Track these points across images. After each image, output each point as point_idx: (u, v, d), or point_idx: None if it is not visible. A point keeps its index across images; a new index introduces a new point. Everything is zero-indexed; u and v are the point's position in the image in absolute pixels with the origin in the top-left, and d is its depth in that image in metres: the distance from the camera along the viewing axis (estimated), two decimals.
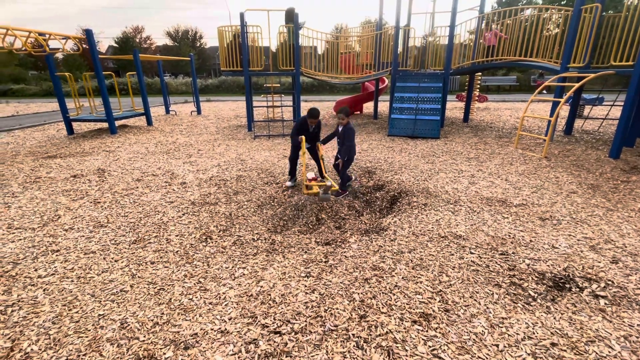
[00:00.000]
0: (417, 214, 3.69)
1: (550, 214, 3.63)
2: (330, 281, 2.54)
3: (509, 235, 3.16)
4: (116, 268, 2.78)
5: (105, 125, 9.75)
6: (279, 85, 9.82)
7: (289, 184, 4.77)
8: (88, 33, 7.76)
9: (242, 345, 1.94)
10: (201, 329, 2.07)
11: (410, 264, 2.76)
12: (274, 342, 1.95)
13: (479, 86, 13.31)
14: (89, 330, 2.08)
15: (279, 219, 3.73)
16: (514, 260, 2.75)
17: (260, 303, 2.31)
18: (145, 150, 7.05)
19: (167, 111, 12.72)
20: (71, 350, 1.93)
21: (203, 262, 2.87)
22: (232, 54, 8.53)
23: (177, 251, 3.05)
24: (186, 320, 2.16)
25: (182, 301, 2.35)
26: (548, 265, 2.66)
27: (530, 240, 3.06)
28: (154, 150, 6.99)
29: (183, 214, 3.84)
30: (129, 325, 2.12)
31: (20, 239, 3.28)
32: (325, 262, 2.83)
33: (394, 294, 2.37)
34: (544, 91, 11.51)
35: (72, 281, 2.60)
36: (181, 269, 2.76)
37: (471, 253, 2.88)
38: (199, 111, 12.62)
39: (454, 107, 14.21)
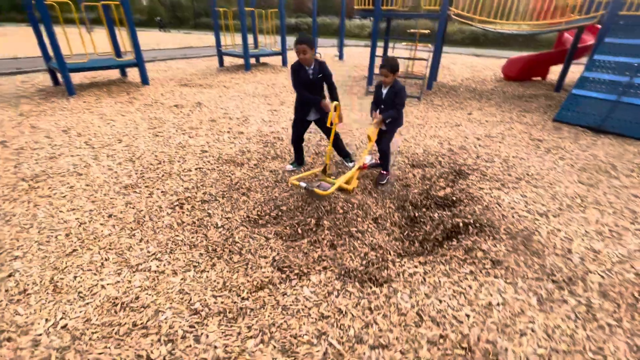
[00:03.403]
0: (464, 279, 2.12)
1: None
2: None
3: None
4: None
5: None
6: (428, 32, 7.79)
7: (289, 167, 3.61)
8: None
9: None
10: None
11: None
12: None
13: None
14: None
15: (275, 206, 2.91)
16: None
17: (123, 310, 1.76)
18: (253, 91, 7.13)
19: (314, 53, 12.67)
20: None
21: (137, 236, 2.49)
22: None
23: (141, 210, 2.79)
24: None
25: None
26: None
27: None
28: (258, 93, 6.98)
29: (196, 168, 3.54)
30: None
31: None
32: (241, 297, 1.94)
33: None
34: None
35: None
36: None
37: None
38: (340, 56, 11.97)
39: None
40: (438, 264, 2.28)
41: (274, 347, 1.67)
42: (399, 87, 2.99)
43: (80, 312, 1.84)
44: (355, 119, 5.38)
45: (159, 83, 7.46)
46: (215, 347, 1.66)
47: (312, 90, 3.11)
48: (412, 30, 8.20)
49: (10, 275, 2.09)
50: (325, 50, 14.40)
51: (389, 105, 3.04)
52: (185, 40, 18.38)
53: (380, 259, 2.32)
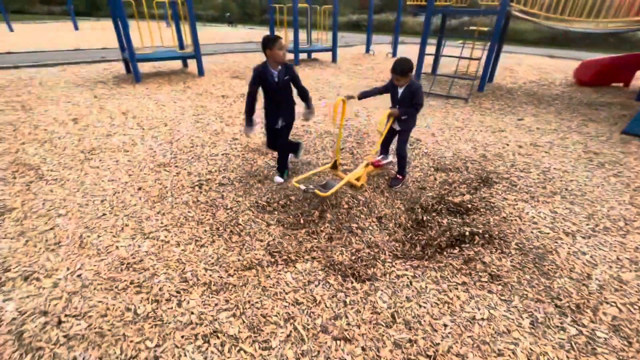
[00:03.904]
0: (454, 289, 2.03)
1: None
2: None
3: None
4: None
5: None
6: (488, 30, 7.23)
7: (278, 179, 3.23)
8: None
9: None
10: None
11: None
12: None
13: None
14: None
15: (285, 196, 3.02)
16: None
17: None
18: None
19: (367, 50, 12.51)
20: None
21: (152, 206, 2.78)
22: None
23: (166, 187, 3.10)
24: None
25: None
26: None
27: None
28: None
29: (223, 154, 3.80)
30: None
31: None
32: (228, 273, 2.09)
33: None
34: None
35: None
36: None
37: None
38: (394, 53, 11.65)
39: None
40: (430, 270, 2.20)
41: (243, 321, 1.79)
42: (416, 86, 2.88)
43: (94, 266, 2.14)
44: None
45: (213, 74, 8.04)
46: (192, 313, 1.82)
47: (278, 95, 2.88)
48: (471, 28, 7.71)
49: (51, 229, 2.49)
50: (380, 47, 14.13)
51: (407, 105, 2.95)
52: (248, 36, 19.39)
53: (372, 258, 2.31)
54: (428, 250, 2.44)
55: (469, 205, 2.87)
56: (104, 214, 2.69)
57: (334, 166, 3.14)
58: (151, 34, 7.27)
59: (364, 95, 3.00)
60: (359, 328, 1.78)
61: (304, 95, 3.03)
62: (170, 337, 1.68)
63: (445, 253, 2.38)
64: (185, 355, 1.59)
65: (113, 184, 3.13)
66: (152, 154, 3.75)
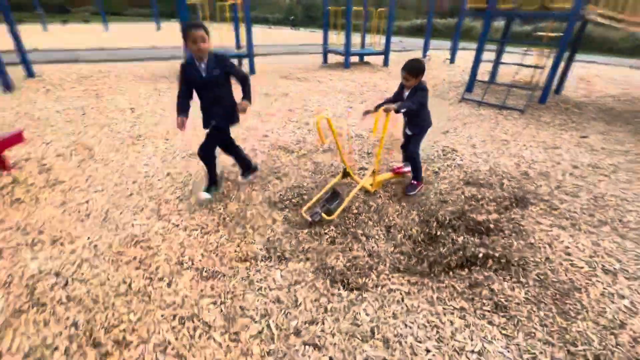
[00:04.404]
0: (449, 313, 1.85)
1: None
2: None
3: None
4: None
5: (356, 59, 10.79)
6: (554, 36, 6.50)
7: (204, 195, 2.82)
8: None
9: None
10: None
11: None
12: None
13: None
14: None
15: (299, 194, 3.02)
16: None
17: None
18: (342, 87, 7.30)
19: (423, 55, 12.00)
20: None
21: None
22: None
23: (191, 175, 3.29)
24: None
25: None
26: None
27: None
28: (345, 90, 7.10)
29: (250, 149, 3.92)
30: None
31: None
32: (221, 262, 2.15)
33: None
34: None
35: None
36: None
37: None
38: (452, 59, 11.02)
39: None
40: (427, 289, 2.03)
41: (221, 311, 1.82)
42: (421, 87, 2.68)
43: (110, 239, 2.35)
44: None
45: (263, 73, 8.37)
46: (177, 294, 1.91)
47: (206, 92, 2.53)
48: (539, 34, 7.00)
49: (86, 202, 2.80)
50: (439, 53, 13.49)
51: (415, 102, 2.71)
52: (307, 38, 19.88)
53: (367, 267, 2.20)
54: (435, 268, 2.25)
55: (492, 225, 2.59)
56: (131, 194, 2.94)
57: (345, 174, 2.90)
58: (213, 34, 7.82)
59: (379, 107, 2.82)
60: (333, 337, 1.70)
61: (243, 82, 2.62)
62: (151, 314, 1.78)
63: (451, 273, 2.18)
64: (159, 333, 1.67)
65: (147, 168, 3.42)
66: (187, 144, 4.02)
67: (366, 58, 10.77)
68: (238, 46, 8.67)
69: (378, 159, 2.87)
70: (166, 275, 2.05)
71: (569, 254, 2.32)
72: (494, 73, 7.69)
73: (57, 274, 2.01)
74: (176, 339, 1.65)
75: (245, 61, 8.25)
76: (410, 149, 2.95)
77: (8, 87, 5.93)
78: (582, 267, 2.20)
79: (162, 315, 1.77)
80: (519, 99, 6.60)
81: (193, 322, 1.75)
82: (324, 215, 2.60)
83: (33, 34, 15.28)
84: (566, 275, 2.13)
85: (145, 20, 32.10)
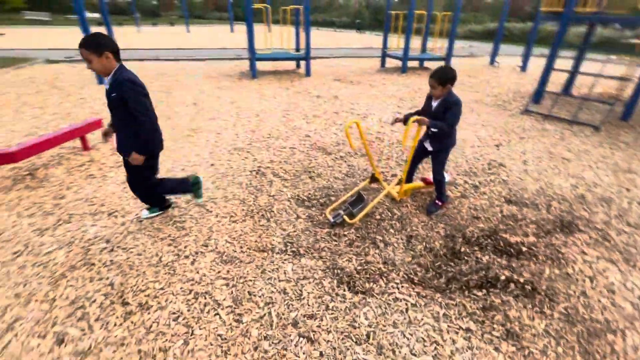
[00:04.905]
0: (453, 332, 1.78)
1: None
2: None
3: None
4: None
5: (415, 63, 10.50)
6: None
7: (145, 213, 2.63)
8: None
9: None
10: None
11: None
12: None
13: None
14: None
15: (327, 195, 3.11)
16: None
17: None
18: (394, 92, 7.18)
19: (492, 61, 11.19)
20: None
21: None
22: None
23: (231, 167, 3.57)
24: None
25: None
26: None
27: None
28: (396, 95, 6.98)
29: (290, 147, 4.10)
30: None
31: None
32: (241, 249, 2.32)
33: None
34: None
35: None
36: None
37: None
38: (523, 67, 10.08)
39: None
40: (435, 304, 1.96)
41: (231, 292, 1.98)
42: (454, 100, 2.47)
43: (152, 216, 2.68)
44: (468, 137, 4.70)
45: (318, 76, 8.60)
46: (197, 272, 2.12)
47: (111, 112, 2.18)
48: (631, 41, 6.14)
49: None
50: (510, 60, 12.46)
51: (443, 113, 2.57)
52: (371, 41, 19.80)
53: (377, 273, 2.19)
54: (452, 285, 2.16)
55: (525, 249, 2.39)
56: None
57: (373, 179, 2.94)
58: (269, 37, 8.26)
59: (408, 116, 2.71)
60: (328, 334, 1.75)
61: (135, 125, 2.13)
62: (173, 286, 2.01)
63: (467, 292, 2.08)
64: (175, 303, 1.89)
65: (196, 158, 3.78)
66: (234, 139, 4.34)
67: (426, 63, 10.41)
68: (297, 49, 9.03)
69: (406, 168, 2.83)
70: (192, 254, 2.28)
71: (612, 291, 2.06)
72: (569, 83, 6.93)
73: (108, 241, 2.37)
74: (188, 310, 1.85)
75: (302, 63, 8.57)
76: (435, 169, 2.80)
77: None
78: (624, 308, 1.93)
79: (180, 288, 1.99)
80: (596, 114, 5.85)
81: (205, 298, 1.93)
82: (345, 217, 2.65)
83: (128, 35, 17.61)
84: (602, 314, 1.90)
85: (224, 23, 34.85)
